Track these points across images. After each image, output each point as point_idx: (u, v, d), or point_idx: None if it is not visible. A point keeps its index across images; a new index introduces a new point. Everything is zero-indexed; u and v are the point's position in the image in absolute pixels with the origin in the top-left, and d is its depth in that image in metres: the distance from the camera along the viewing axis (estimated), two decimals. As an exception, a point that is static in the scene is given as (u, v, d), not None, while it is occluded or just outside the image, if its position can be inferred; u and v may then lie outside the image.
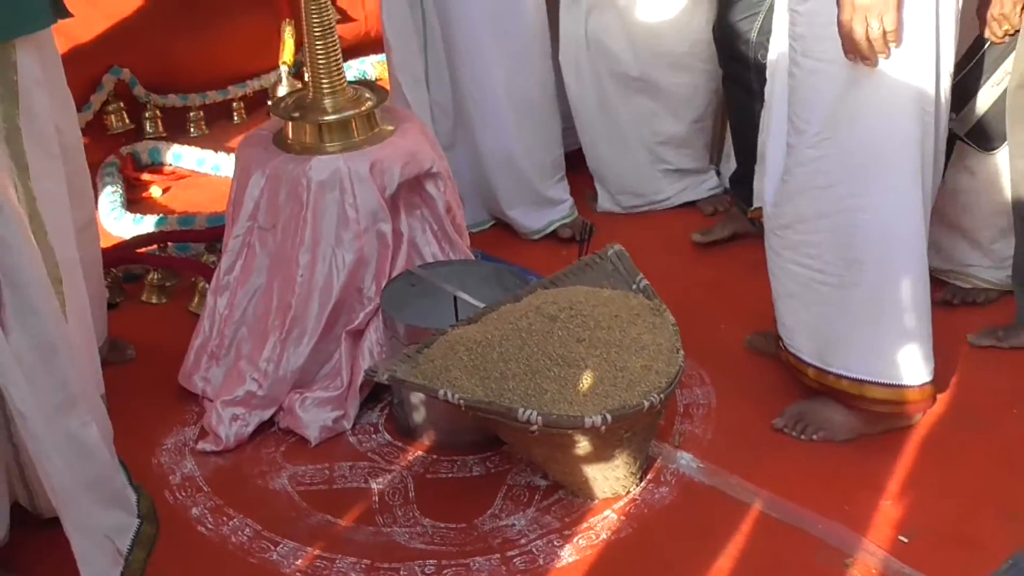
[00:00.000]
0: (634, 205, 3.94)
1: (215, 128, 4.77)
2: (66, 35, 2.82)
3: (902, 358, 2.71)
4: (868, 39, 2.41)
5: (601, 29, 3.71)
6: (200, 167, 4.45)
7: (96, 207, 3.39)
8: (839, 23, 2.43)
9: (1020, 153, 2.93)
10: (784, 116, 2.73)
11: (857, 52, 2.44)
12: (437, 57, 3.68)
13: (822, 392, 2.82)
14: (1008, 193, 3.04)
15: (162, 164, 4.49)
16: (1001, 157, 3.04)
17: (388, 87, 3.53)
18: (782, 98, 2.74)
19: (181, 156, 4.47)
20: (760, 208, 3.22)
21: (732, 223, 3.69)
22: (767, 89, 2.91)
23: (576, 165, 3.95)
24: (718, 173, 3.99)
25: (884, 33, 2.40)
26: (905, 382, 2.73)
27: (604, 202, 3.95)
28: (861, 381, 2.74)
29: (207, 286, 3.25)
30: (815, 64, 2.55)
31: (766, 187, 2.82)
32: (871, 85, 2.50)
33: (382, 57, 4.40)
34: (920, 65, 2.50)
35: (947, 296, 3.26)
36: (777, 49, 2.84)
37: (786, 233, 2.73)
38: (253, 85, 4.89)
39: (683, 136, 3.87)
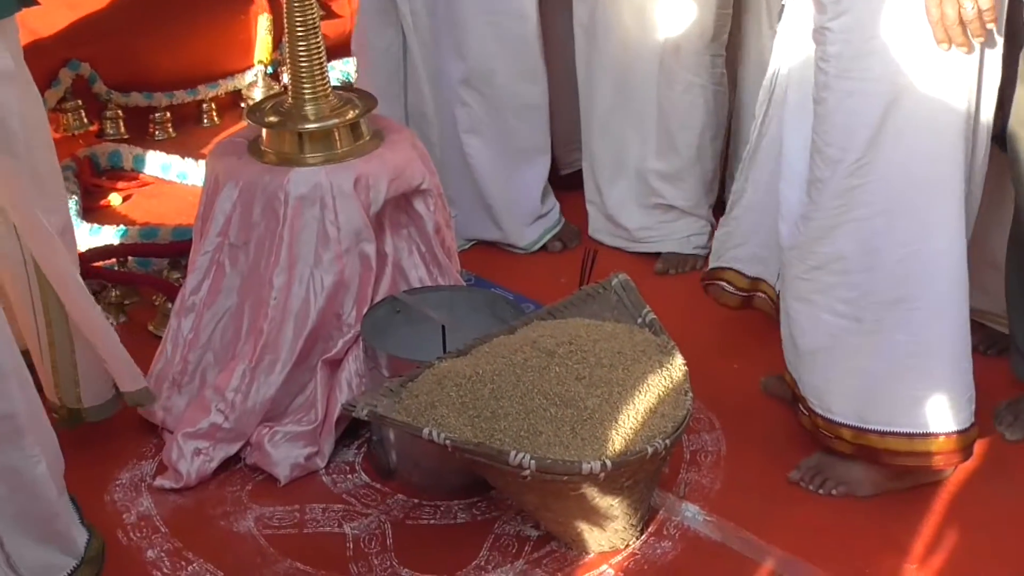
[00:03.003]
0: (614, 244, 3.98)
1: (183, 132, 4.80)
2: (19, 23, 2.84)
3: (951, 404, 2.73)
4: (962, 22, 2.45)
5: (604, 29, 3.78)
6: (165, 174, 4.47)
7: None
8: (927, 9, 2.46)
9: None
10: (797, 150, 2.77)
11: (950, 39, 2.47)
12: (415, 65, 3.78)
13: (857, 454, 2.83)
14: None
15: (123, 169, 4.52)
16: None
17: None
18: (796, 130, 2.78)
19: (144, 161, 4.51)
20: (717, 269, 3.24)
21: None
22: (756, 126, 2.95)
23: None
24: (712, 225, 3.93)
25: (980, 13, 2.44)
26: (955, 428, 2.74)
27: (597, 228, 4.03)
28: (910, 435, 2.75)
29: (170, 306, 3.28)
30: (854, 84, 2.58)
31: (781, 230, 2.85)
32: (916, 99, 2.54)
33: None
34: (965, 74, 2.54)
35: (977, 343, 3.07)
36: (780, 75, 2.88)
37: (817, 276, 2.74)
38: (226, 85, 4.92)
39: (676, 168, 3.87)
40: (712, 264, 3.31)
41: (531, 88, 3.83)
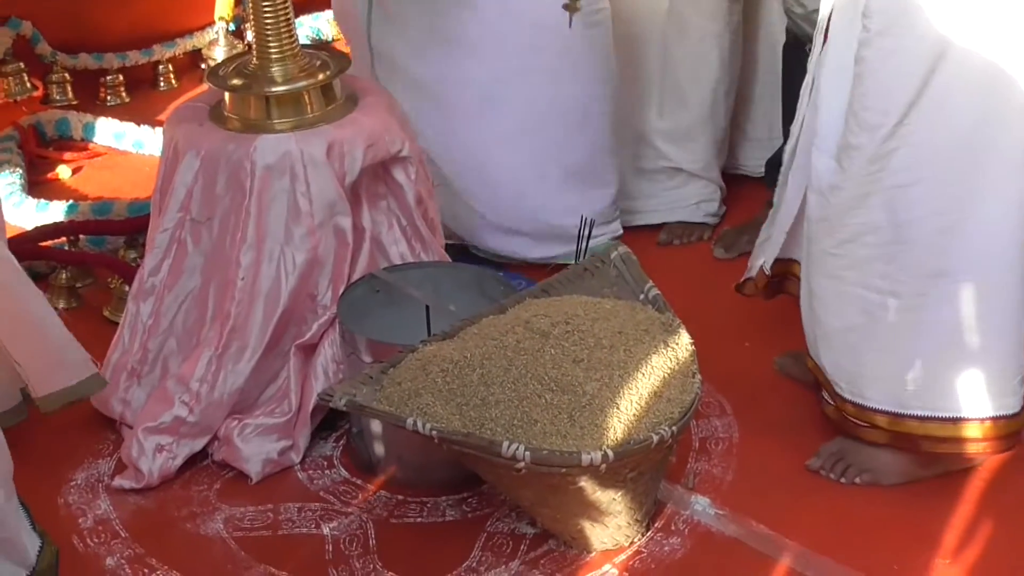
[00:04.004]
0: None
1: (137, 96, 4.81)
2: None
3: (999, 387, 2.72)
4: None
5: None
6: (119, 143, 4.48)
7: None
8: None
9: None
10: (835, 115, 2.73)
11: None
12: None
13: (893, 443, 2.82)
14: None
15: (72, 139, 4.52)
16: None
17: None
18: (834, 93, 2.74)
19: (95, 129, 4.51)
20: (753, 278, 3.15)
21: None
22: (808, 88, 2.90)
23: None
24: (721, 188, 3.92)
25: None
26: (1003, 412, 2.73)
27: None
28: (954, 420, 2.74)
29: (127, 289, 3.27)
30: (897, 42, 2.57)
31: (809, 200, 2.82)
32: (964, 56, 2.53)
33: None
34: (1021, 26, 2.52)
35: None
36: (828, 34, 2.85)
37: (849, 249, 2.74)
38: (184, 44, 4.92)
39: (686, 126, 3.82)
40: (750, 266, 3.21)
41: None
